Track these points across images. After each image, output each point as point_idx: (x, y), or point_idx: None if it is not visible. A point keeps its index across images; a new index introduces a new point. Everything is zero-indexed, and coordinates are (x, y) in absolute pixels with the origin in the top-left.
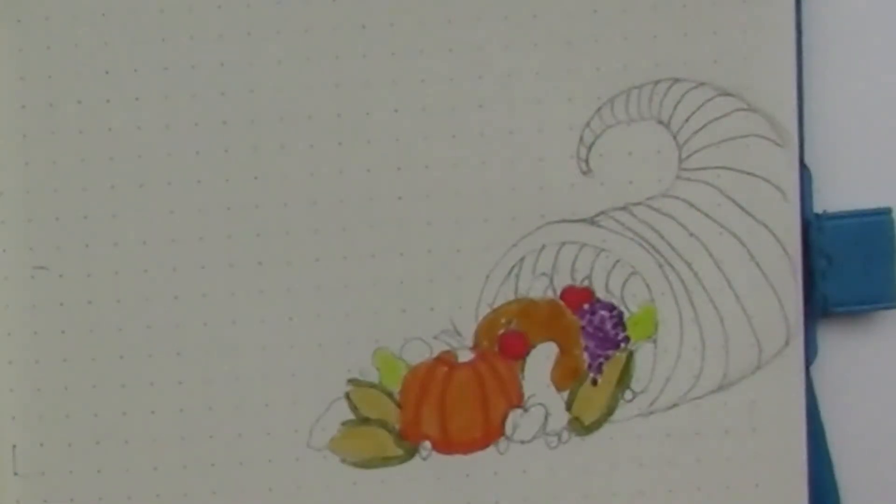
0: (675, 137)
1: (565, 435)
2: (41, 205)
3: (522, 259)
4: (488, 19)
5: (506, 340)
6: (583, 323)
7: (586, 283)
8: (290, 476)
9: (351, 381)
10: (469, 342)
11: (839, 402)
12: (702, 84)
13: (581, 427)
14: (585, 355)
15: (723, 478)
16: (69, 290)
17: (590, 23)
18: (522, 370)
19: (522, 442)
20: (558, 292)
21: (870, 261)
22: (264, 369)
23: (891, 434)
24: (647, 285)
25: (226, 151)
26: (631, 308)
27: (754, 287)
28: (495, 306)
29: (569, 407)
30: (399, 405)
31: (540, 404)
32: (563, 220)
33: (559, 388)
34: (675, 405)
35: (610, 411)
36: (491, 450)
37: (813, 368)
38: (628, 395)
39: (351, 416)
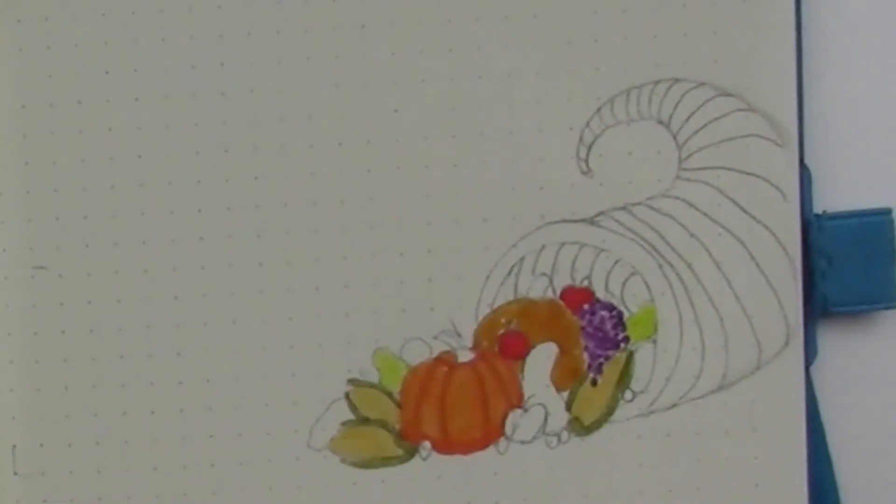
0: (675, 137)
1: (565, 435)
2: (41, 205)
3: (522, 259)
4: (488, 19)
5: (506, 340)
6: (583, 323)
7: (586, 283)
8: (290, 476)
9: (351, 381)
10: (469, 342)
11: (839, 402)
12: (702, 84)
13: (581, 427)
14: (585, 355)
15: (723, 478)
16: (69, 290)
17: (590, 23)
18: (522, 370)
19: (522, 442)
20: (558, 292)
21: (870, 261)
22: (264, 369)
23: (891, 434)
24: (647, 285)
25: (226, 151)
26: (631, 308)
27: (754, 287)
28: (495, 306)
29: (569, 407)
30: (399, 405)
31: (540, 404)
32: (563, 221)
33: (559, 388)
34: (675, 405)
35: (610, 411)
36: (491, 450)
37: (813, 368)
38: (628, 395)
39: (351, 416)
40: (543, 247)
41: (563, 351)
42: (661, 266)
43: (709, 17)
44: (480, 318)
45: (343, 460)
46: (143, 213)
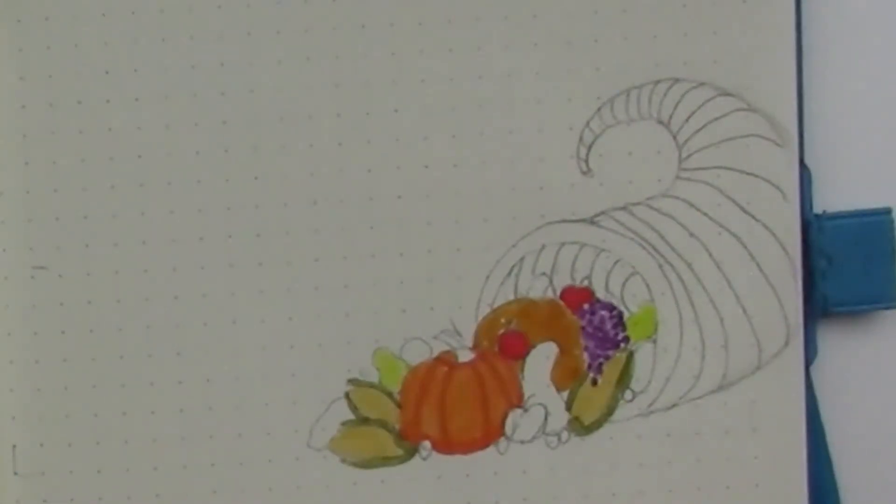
0: (675, 137)
1: (565, 435)
2: (41, 205)
3: (522, 259)
4: (488, 19)
5: (506, 340)
6: (583, 323)
7: (586, 283)
8: (290, 476)
9: (351, 381)
10: (469, 342)
11: (839, 402)
12: (702, 84)
13: (581, 427)
14: (585, 355)
15: (723, 478)
16: (69, 290)
17: (590, 23)
18: (522, 370)
19: (522, 442)
20: (558, 292)
21: (870, 261)
22: (264, 369)
23: (891, 434)
24: (647, 285)
25: (226, 151)
26: (631, 308)
27: (754, 287)
28: (495, 306)
29: (569, 407)
30: (399, 405)
31: (540, 404)
32: (563, 220)
33: (559, 388)
34: (674, 405)
35: (610, 411)
36: (491, 450)
37: (813, 368)
38: (628, 395)
39: (351, 416)
40: (543, 247)
41: (563, 351)
42: (661, 266)
43: (709, 17)
44: (480, 318)
45: (343, 460)
46: (143, 213)
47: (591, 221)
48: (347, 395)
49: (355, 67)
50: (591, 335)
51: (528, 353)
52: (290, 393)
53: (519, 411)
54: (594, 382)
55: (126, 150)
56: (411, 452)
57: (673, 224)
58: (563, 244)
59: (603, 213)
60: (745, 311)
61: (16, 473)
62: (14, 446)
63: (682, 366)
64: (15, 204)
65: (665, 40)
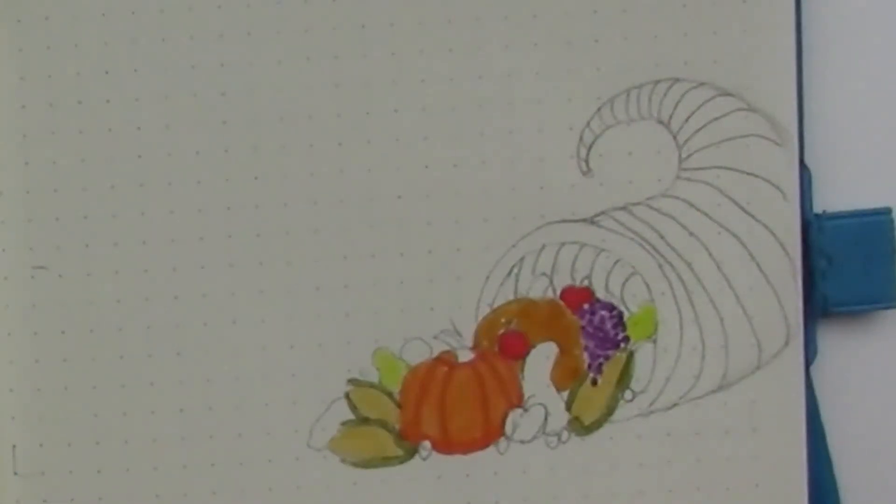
0: (675, 137)
1: (565, 435)
2: (41, 205)
3: (522, 259)
4: (488, 19)
5: (506, 340)
6: (583, 323)
7: (586, 283)
8: (290, 476)
9: (351, 381)
10: (469, 342)
11: (839, 402)
12: (702, 84)
13: (581, 427)
14: (585, 355)
15: (723, 478)
16: (69, 290)
17: (590, 23)
18: (522, 370)
19: (522, 442)
20: (558, 292)
21: (870, 261)
22: (264, 369)
23: (891, 434)
24: (647, 285)
25: (226, 151)
26: (631, 308)
27: (754, 287)
28: (495, 306)
29: (569, 407)
30: (399, 405)
31: (540, 404)
32: (563, 220)
33: (559, 388)
34: (675, 405)
35: (610, 411)
36: (491, 450)
37: (813, 368)
38: (628, 395)
39: (351, 416)
40: (543, 247)
41: (563, 351)
42: (661, 266)
43: (709, 17)
44: (480, 318)
45: (343, 460)
46: (143, 213)
47: (591, 221)
48: (347, 395)
49: (355, 67)
50: (591, 335)
51: (528, 353)
52: (290, 393)
53: (519, 411)
54: (594, 382)
55: (126, 150)
56: (411, 452)
57: (673, 224)
58: (563, 244)
59: (603, 213)
60: (745, 311)
61: (16, 473)
62: (14, 446)
63: (682, 366)
64: (15, 204)
65: (665, 40)
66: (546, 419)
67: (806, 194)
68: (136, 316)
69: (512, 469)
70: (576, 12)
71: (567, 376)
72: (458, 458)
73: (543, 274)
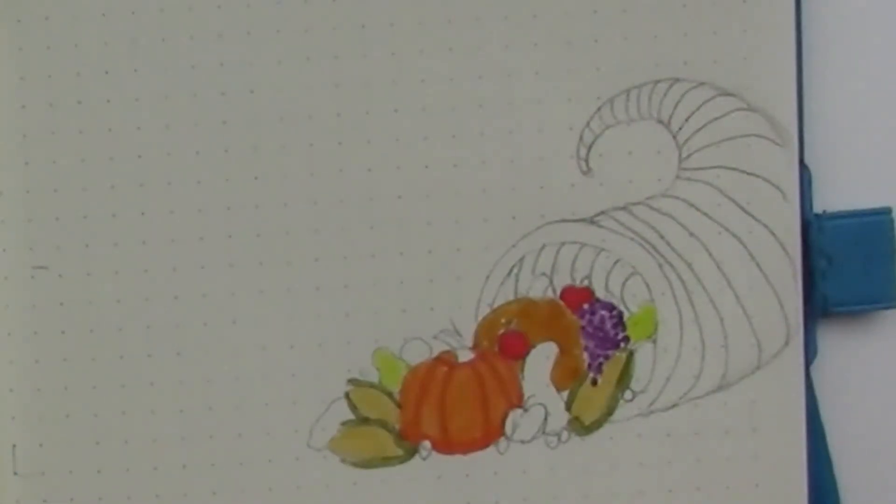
0: (675, 137)
1: (565, 435)
2: (41, 205)
3: (522, 259)
4: (488, 19)
5: (506, 340)
6: (583, 323)
7: (586, 283)
8: (290, 476)
9: (351, 381)
10: (469, 342)
11: (839, 402)
12: (702, 84)
13: (581, 427)
14: (585, 355)
15: (723, 478)
16: (69, 290)
17: (590, 23)
18: (522, 370)
19: (522, 442)
20: (558, 292)
21: (870, 261)
22: (264, 369)
23: (891, 434)
24: (647, 285)
25: (226, 151)
26: (631, 308)
27: (754, 287)
28: (495, 306)
29: (569, 407)
30: (399, 405)
31: (540, 404)
32: (563, 220)
33: (559, 388)
34: (674, 405)
35: (610, 411)
36: (491, 450)
37: (813, 368)
38: (628, 395)
39: (351, 416)
40: (543, 247)
41: (563, 351)
42: (661, 266)
43: (709, 17)
44: (480, 318)
45: (343, 460)
46: (143, 213)
47: (591, 221)
48: (347, 395)
49: (355, 67)
50: (591, 335)
51: (528, 353)
52: (290, 393)
53: (519, 411)
54: (594, 382)
55: (126, 150)
56: (411, 452)
57: (673, 224)
58: (563, 244)
59: (603, 213)
60: (745, 311)
61: (16, 473)
62: (14, 446)
63: (682, 366)
64: (15, 204)
65: (665, 40)
66: (546, 419)
67: (806, 194)
68: (136, 316)
69: (512, 469)
70: (576, 12)
71: (567, 376)
72: (458, 458)
73: (543, 274)
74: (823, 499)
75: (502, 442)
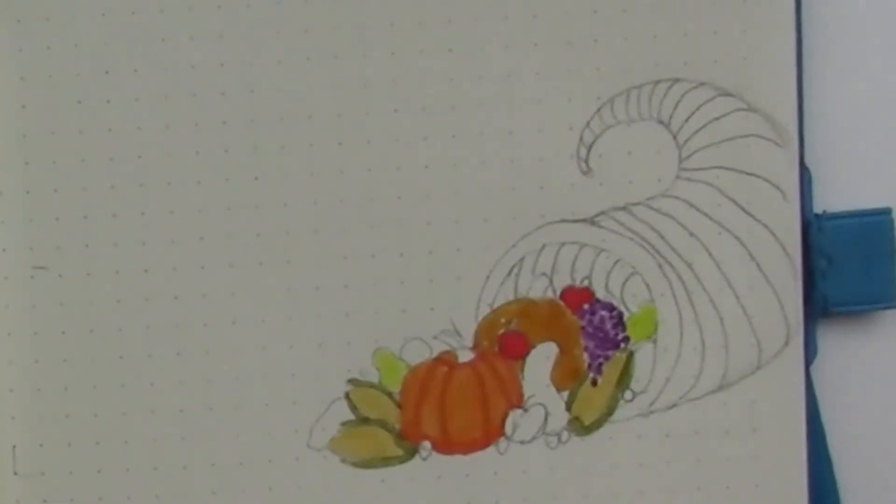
0: (675, 137)
1: (565, 435)
2: (41, 205)
3: (522, 259)
4: (488, 19)
5: (506, 340)
6: (583, 323)
7: (586, 283)
8: (290, 476)
9: (351, 381)
10: (469, 342)
11: (839, 402)
12: (702, 84)
13: (581, 427)
14: (585, 355)
15: (723, 478)
16: (69, 290)
17: (590, 23)
18: (522, 370)
19: (522, 442)
20: (558, 292)
21: (870, 261)
22: (264, 369)
23: (891, 434)
24: (647, 285)
25: (226, 151)
26: (631, 308)
27: (754, 287)
28: (495, 306)
29: (569, 407)
30: (399, 405)
31: (540, 404)
32: (563, 220)
33: (559, 388)
34: (674, 405)
35: (610, 411)
36: (491, 450)
37: (813, 368)
38: (628, 395)
39: (351, 416)
40: (543, 247)
41: (563, 351)
42: (661, 266)
43: (709, 17)
44: (480, 318)
45: (343, 460)
46: (143, 213)
47: (591, 221)
48: (347, 395)
49: (355, 67)
50: (591, 335)
51: (528, 353)
52: (290, 393)
53: (519, 411)
54: (594, 382)
55: (126, 150)
56: (411, 452)
57: (673, 224)
58: (563, 244)
59: (603, 213)
60: (745, 311)
61: (16, 473)
62: (14, 446)
63: (682, 366)
64: (15, 204)
65: (665, 40)
66: (546, 419)
67: (806, 194)
68: (136, 316)
69: (512, 469)
70: (576, 12)
71: (567, 376)
72: (458, 458)
73: (543, 274)
74: (823, 499)
75: (502, 442)
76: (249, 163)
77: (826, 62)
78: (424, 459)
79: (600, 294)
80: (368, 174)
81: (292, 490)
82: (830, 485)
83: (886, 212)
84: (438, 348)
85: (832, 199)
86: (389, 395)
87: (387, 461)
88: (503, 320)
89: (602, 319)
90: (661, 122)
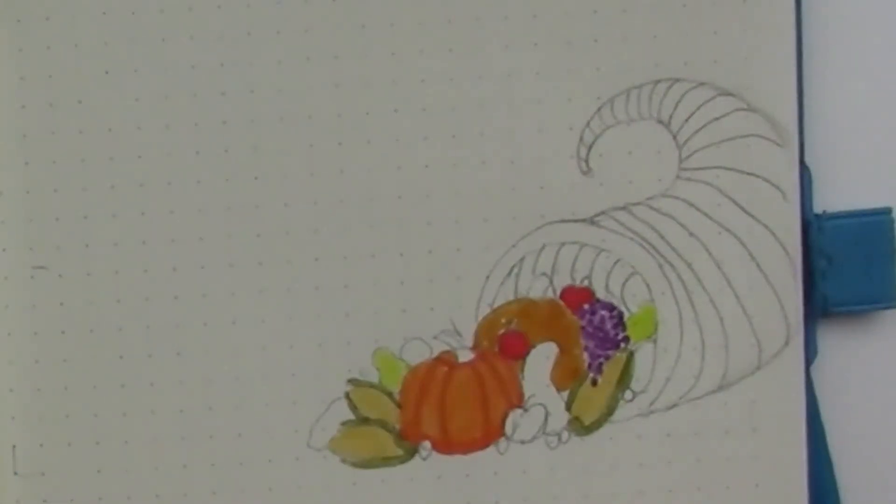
0: (675, 137)
1: (565, 435)
2: (41, 205)
3: (522, 259)
4: (488, 19)
5: (506, 340)
6: (583, 323)
7: (586, 283)
8: (290, 476)
9: (351, 381)
10: (469, 342)
11: (839, 402)
12: (702, 84)
13: (581, 427)
14: (585, 355)
15: (723, 478)
16: (69, 290)
17: (590, 23)
18: (522, 370)
19: (522, 442)
20: (558, 292)
21: (870, 261)
22: (264, 369)
23: (891, 434)
24: (647, 285)
25: (226, 151)
26: (631, 308)
27: (754, 287)
28: (495, 306)
29: (569, 407)
30: (399, 405)
31: (540, 404)
32: (563, 220)
33: (559, 388)
34: (675, 405)
35: (610, 411)
36: (491, 450)
37: (813, 368)
38: (628, 395)
39: (351, 416)
40: (543, 247)
41: (563, 351)
42: (661, 266)
43: (709, 17)
44: (480, 318)
45: (343, 460)
46: (143, 213)
47: (591, 221)
48: (347, 395)
49: (355, 67)
50: (591, 335)
51: (528, 353)
52: (290, 393)
53: (519, 411)
54: (594, 382)
55: (126, 150)
56: (411, 452)
57: (673, 224)
58: (563, 244)
59: (603, 213)
60: (745, 311)
61: (16, 473)
62: (14, 446)
63: (682, 366)
64: (15, 204)
65: (665, 40)
66: (546, 419)
67: (806, 194)
68: (136, 316)
69: (512, 469)
70: (576, 12)
71: (567, 376)
72: (458, 458)
73: (543, 274)
74: (823, 499)
75: (502, 442)
76: (249, 163)
77: (826, 62)
78: (424, 459)
79: (600, 294)
80: (368, 174)
81: (292, 490)
82: (830, 485)
83: (886, 212)
84: (438, 348)
85: (832, 199)
86: (389, 395)
87: (387, 461)
88: (503, 320)
89: (602, 319)
90: (661, 122)
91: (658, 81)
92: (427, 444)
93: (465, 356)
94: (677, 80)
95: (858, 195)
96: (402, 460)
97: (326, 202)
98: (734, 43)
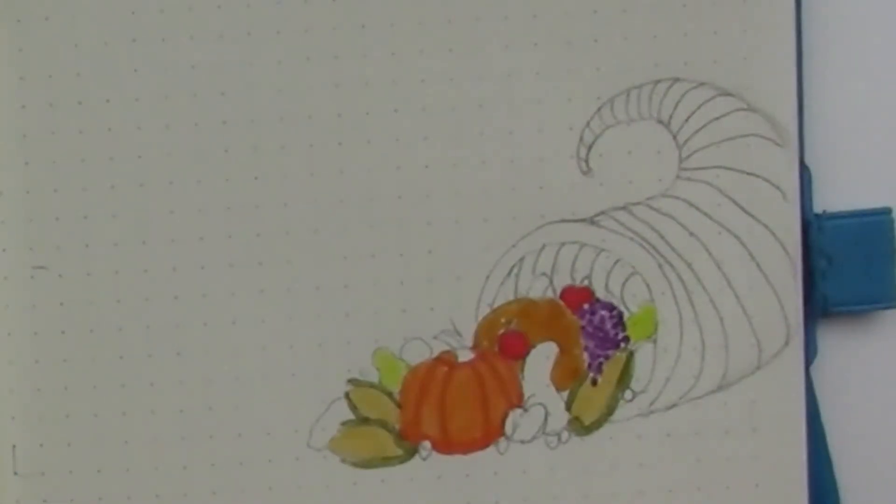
0: (675, 137)
1: (565, 435)
2: (41, 205)
3: (522, 259)
4: (488, 19)
5: (506, 340)
6: (583, 323)
7: (586, 283)
8: (290, 476)
9: (351, 381)
10: (469, 342)
11: (839, 402)
12: (702, 84)
13: (581, 427)
14: (585, 355)
15: (723, 478)
16: (69, 290)
17: (590, 23)
18: (522, 370)
19: (522, 442)
20: (558, 292)
21: (870, 261)
22: (264, 369)
23: (891, 434)
24: (647, 285)
25: (226, 151)
26: (631, 308)
27: (754, 287)
28: (495, 306)
29: (569, 407)
30: (399, 405)
31: (540, 404)
32: (563, 220)
33: (559, 388)
34: (674, 405)
35: (610, 411)
36: (491, 450)
37: (813, 368)
38: (628, 395)
39: (351, 416)
40: (543, 247)
41: (563, 351)
42: (661, 266)
43: (709, 17)
44: (480, 318)
45: (343, 460)
46: (143, 213)
47: (591, 221)
48: (347, 395)
49: (355, 67)
50: (591, 335)
51: (528, 353)
52: (290, 393)
53: (519, 411)
54: (594, 382)
55: (126, 150)
56: (411, 452)
57: (673, 224)
58: (563, 244)
59: (603, 213)
60: (745, 311)
61: (16, 473)
62: (14, 446)
63: (682, 366)
64: (15, 204)
65: (665, 40)
66: (546, 419)
67: (806, 194)
68: (136, 316)
69: (512, 469)
70: (576, 12)
71: (567, 376)
72: (458, 458)
73: (543, 274)
74: (823, 499)
75: (502, 442)
76: (249, 163)
77: (826, 62)
78: (424, 459)
79: (600, 294)
80: (368, 174)
81: (292, 490)
82: (830, 485)
83: (886, 212)
84: (438, 348)
85: (832, 198)
86: (389, 395)
87: (387, 461)
88: (503, 320)
89: (602, 319)
90: (661, 122)
91: (658, 81)
92: (427, 444)
93: (465, 356)
94: (677, 80)
95: (858, 195)
96: (402, 460)
97: (326, 202)
98: (734, 43)
